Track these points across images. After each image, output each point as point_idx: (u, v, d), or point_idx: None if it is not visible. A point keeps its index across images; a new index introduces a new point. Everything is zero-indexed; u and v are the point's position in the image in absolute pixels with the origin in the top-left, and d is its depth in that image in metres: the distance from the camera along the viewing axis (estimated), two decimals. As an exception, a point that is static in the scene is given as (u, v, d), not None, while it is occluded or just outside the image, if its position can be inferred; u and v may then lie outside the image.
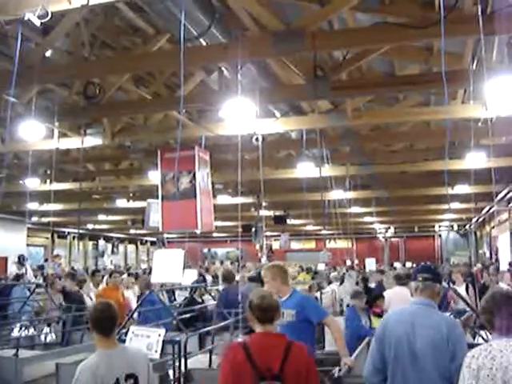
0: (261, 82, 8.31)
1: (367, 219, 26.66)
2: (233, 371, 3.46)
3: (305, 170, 13.77)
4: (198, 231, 7.92)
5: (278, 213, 23.14)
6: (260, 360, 3.47)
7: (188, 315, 8.39)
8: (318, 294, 11.42)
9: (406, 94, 10.55)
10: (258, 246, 24.81)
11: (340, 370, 4.75)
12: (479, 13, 5.51)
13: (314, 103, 9.79)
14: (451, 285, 8.72)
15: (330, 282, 15.50)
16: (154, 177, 13.54)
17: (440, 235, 36.66)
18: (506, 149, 13.98)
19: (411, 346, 3.80)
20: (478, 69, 7.45)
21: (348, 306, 11.02)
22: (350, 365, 4.84)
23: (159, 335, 5.20)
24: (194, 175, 7.57)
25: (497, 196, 18.21)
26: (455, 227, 33.46)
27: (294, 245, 36.61)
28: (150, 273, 12.88)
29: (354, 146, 13.27)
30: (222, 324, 7.08)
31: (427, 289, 4.02)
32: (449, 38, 6.81)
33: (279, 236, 28.46)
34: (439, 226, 34.68)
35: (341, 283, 14.95)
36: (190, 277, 10.91)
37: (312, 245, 38.25)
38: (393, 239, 37.84)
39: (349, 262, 28.27)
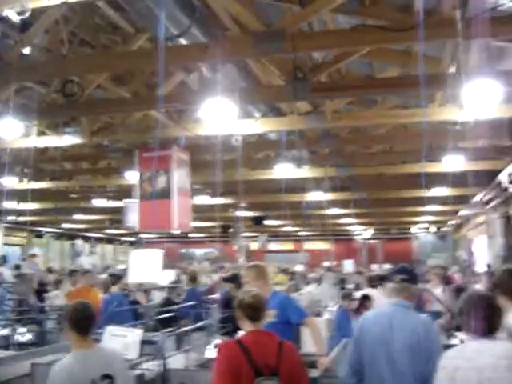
0: (240, 82, 8.31)
1: (346, 221, 26.75)
2: (230, 367, 3.47)
3: (283, 171, 13.79)
4: (174, 231, 7.92)
5: (256, 214, 23.15)
6: (257, 356, 3.49)
7: (164, 315, 8.36)
8: (295, 295, 11.43)
9: (384, 97, 10.62)
10: (236, 247, 24.79)
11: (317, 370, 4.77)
12: (458, 17, 5.57)
13: (293, 104, 9.80)
14: (427, 286, 8.79)
15: (307, 283, 15.53)
16: (131, 176, 13.47)
17: (417, 237, 36.90)
18: (482, 152, 14.14)
19: (388, 348, 3.79)
20: (456, 72, 7.53)
21: (326, 307, 11.07)
22: (326, 365, 4.85)
23: (137, 335, 5.18)
24: (171, 175, 7.56)
25: (473, 199, 18.40)
26: (432, 230, 33.71)
27: (273, 246, 36.63)
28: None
29: (333, 148, 13.32)
30: (200, 324, 7.06)
31: (404, 290, 4.03)
32: (428, 42, 6.89)
33: (257, 237, 28.47)
34: (417, 229, 34.89)
35: (318, 284, 14.99)
36: (168, 277, 10.90)
37: (290, 246, 38.32)
38: (371, 241, 37.98)
39: (327, 264, 28.37)
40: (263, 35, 6.47)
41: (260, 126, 9.99)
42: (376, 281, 9.28)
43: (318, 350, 5.18)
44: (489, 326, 3.10)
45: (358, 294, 9.10)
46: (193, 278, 10.54)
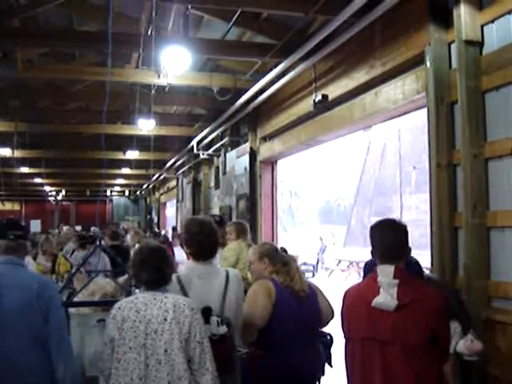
0: None
1: (37, 181, 25.52)
2: None
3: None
4: None
5: None
6: None
7: None
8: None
9: (82, 53, 10.31)
10: None
11: None
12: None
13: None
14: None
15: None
16: None
17: (112, 200, 37.11)
18: (176, 118, 14.69)
19: None
20: (153, 35, 7.57)
21: None
22: None
23: None
24: None
25: (167, 164, 19.00)
26: (126, 193, 34.17)
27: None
28: None
29: (25, 102, 12.57)
30: None
31: (18, 247, 3.74)
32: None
33: None
34: (111, 192, 35.03)
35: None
36: None
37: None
38: (64, 203, 37.16)
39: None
40: None
41: None
42: None
43: None
44: (159, 278, 3.17)
45: None
46: None
